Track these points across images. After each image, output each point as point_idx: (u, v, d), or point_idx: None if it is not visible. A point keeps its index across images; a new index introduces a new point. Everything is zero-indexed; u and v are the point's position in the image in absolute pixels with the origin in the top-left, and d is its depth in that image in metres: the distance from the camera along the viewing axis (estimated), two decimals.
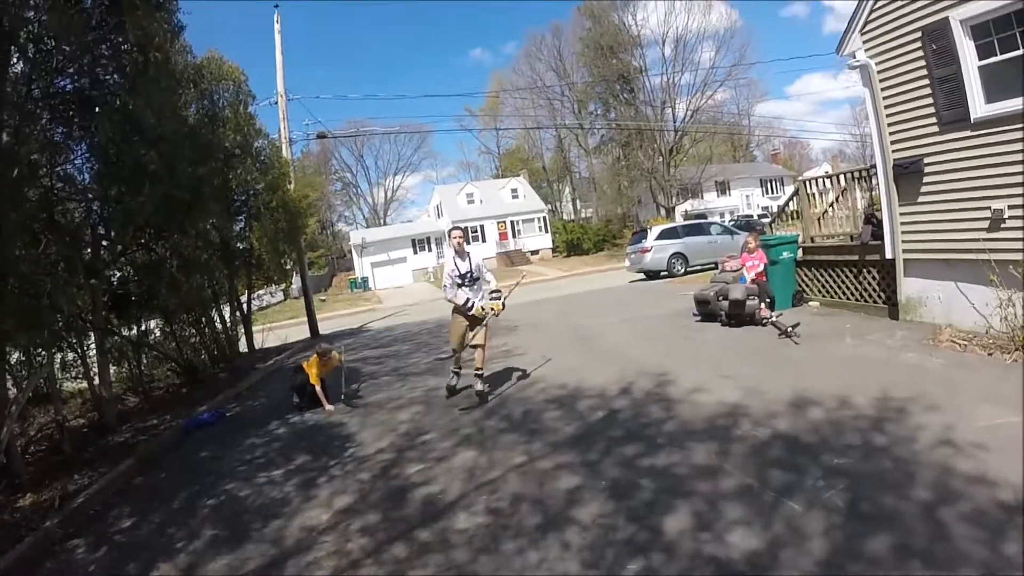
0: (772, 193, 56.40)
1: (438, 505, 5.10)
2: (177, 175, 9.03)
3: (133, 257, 10.66)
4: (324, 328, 19.34)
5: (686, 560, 3.85)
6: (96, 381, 9.48)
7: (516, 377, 8.82)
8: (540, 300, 19.66)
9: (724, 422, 5.83)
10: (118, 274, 10.59)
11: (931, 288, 8.29)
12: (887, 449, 4.77)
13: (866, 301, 9.72)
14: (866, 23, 8.59)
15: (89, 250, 9.08)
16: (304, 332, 18.45)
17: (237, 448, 7.50)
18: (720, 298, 10.31)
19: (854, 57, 8.80)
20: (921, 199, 8.19)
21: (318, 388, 8.55)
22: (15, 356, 8.17)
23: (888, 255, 8.78)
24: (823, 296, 10.77)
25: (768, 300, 10.01)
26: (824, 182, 11.55)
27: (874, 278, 9.52)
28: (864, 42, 8.68)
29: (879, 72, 8.52)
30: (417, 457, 6.23)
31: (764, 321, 9.60)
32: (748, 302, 9.87)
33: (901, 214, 8.51)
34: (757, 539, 3.90)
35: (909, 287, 8.62)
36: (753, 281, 10.08)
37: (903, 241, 8.53)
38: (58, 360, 9.37)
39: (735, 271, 10.79)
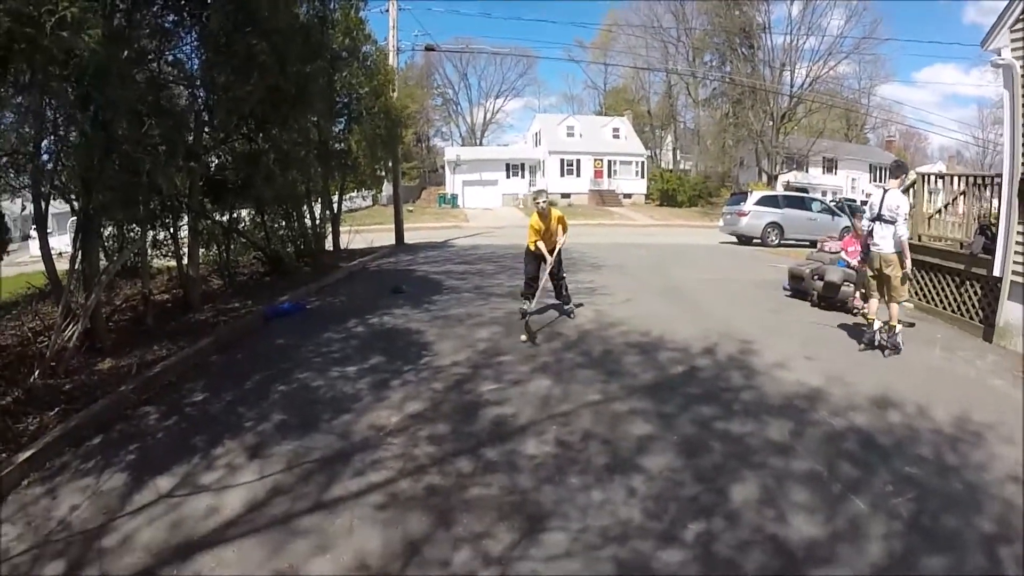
0: (880, 181, 52.06)
1: (508, 427, 5.03)
2: (286, 68, 8.97)
3: (233, 146, 10.79)
4: (410, 238, 19.53)
5: (746, 532, 3.74)
6: (185, 260, 9.78)
7: (596, 314, 8.61)
8: (627, 244, 19.23)
9: (802, 404, 5.59)
10: (216, 161, 10.75)
11: None
12: (959, 471, 4.53)
13: (962, 315, 8.89)
14: (1017, 20, 7.62)
15: (191, 135, 9.22)
16: (390, 239, 18.67)
17: (314, 340, 7.61)
18: (816, 277, 9.73)
19: (999, 55, 7.86)
20: None
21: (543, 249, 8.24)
22: (109, 230, 8.51)
23: (996, 272, 8.07)
24: (918, 299, 9.93)
25: (864, 290, 9.34)
26: (941, 180, 10.61)
27: (975, 293, 8.67)
28: (1012, 40, 7.72)
29: None
30: (492, 376, 6.16)
31: (855, 311, 9.02)
32: (843, 287, 9.27)
33: (1019, 233, 7.68)
34: (818, 528, 3.79)
35: (1011, 312, 7.83)
36: (852, 267, 9.38)
37: (1015, 262, 7.77)
38: (150, 237, 9.62)
39: (834, 253, 10.14)
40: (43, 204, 7.06)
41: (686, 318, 8.49)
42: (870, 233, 7.30)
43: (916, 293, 9.96)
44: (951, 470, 4.51)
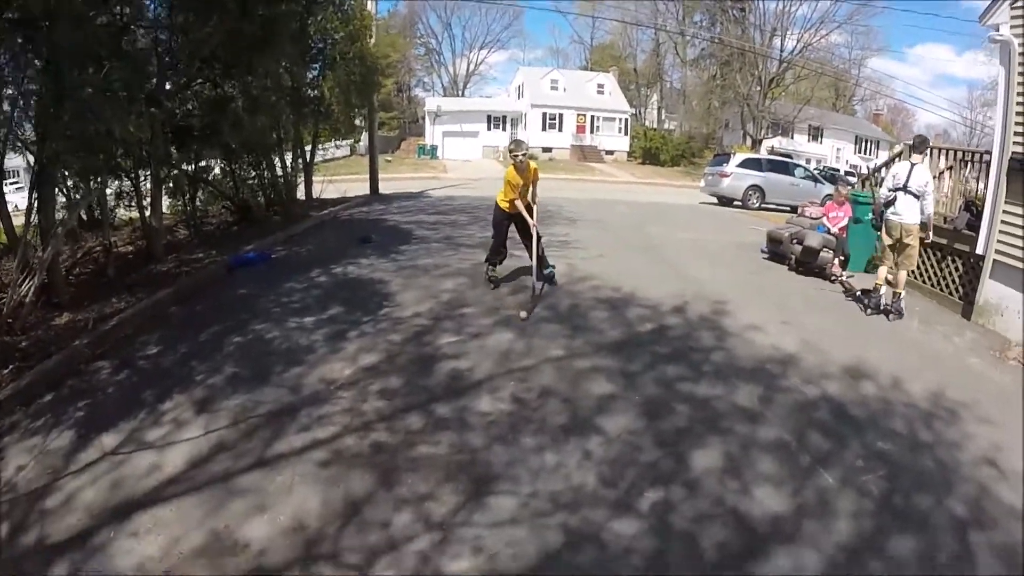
0: (865, 153, 51.38)
1: (464, 382, 4.85)
2: (249, 10, 8.48)
3: (199, 91, 10.33)
4: (385, 188, 19.02)
5: (706, 503, 3.59)
6: (148, 211, 9.43)
7: (568, 267, 8.35)
8: (607, 200, 18.88)
9: (774, 368, 5.41)
10: (180, 108, 10.26)
11: (1014, 299, 7.32)
12: (932, 448, 4.41)
13: (941, 290, 8.74)
14: None
15: (154, 81, 8.77)
16: (365, 189, 18.21)
17: (275, 290, 7.35)
18: (794, 241, 9.50)
19: (997, 30, 7.53)
20: None
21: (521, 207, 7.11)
22: (70, 181, 8.19)
23: (979, 250, 7.88)
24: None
25: (843, 257, 9.20)
26: (931, 153, 10.22)
27: (956, 269, 8.52)
28: (1012, 16, 7.38)
29: (1022, 53, 7.28)
30: (453, 329, 5.96)
31: (834, 277, 8.92)
32: (822, 253, 9.08)
33: (1004, 211, 7.44)
34: (784, 502, 3.65)
35: (991, 291, 7.68)
36: (832, 234, 9.21)
37: (999, 241, 7.57)
38: (114, 188, 9.47)
39: (814, 219, 9.92)
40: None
41: (660, 276, 8.26)
42: (889, 203, 7.32)
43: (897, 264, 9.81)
44: (924, 448, 4.38)
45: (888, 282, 7.51)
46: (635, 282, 7.65)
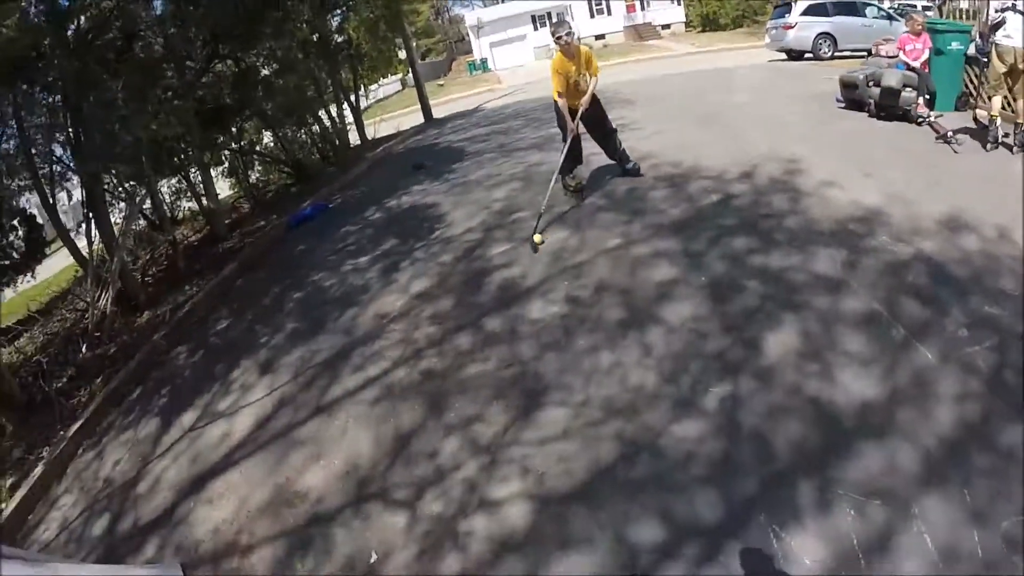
0: None
1: (515, 290, 4.52)
2: None
3: (222, 72, 10.23)
4: (439, 112, 18.52)
5: (781, 395, 3.06)
6: (203, 196, 9.59)
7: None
8: (664, 76, 17.42)
9: (858, 228, 4.55)
10: (208, 93, 10.18)
11: None
12: None
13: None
14: None
15: (171, 76, 8.71)
16: (418, 119, 17.80)
17: (331, 239, 7.22)
18: (871, 83, 8.14)
19: None
20: None
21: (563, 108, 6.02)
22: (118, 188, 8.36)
23: None
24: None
25: (928, 95, 7.81)
26: None
27: None
28: None
29: None
30: (504, 237, 5.60)
31: (920, 119, 7.55)
32: (904, 93, 7.69)
33: None
34: (874, 387, 3.02)
35: None
36: (912, 70, 7.83)
37: None
38: (170, 186, 9.92)
39: (891, 57, 8.47)
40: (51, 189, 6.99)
41: (723, 144, 7.35)
42: (997, 25, 6.25)
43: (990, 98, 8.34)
44: None
45: (1004, 115, 6.39)
46: (696, 153, 6.89)
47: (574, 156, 6.16)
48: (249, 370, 4.74)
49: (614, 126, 6.47)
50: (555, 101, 6.02)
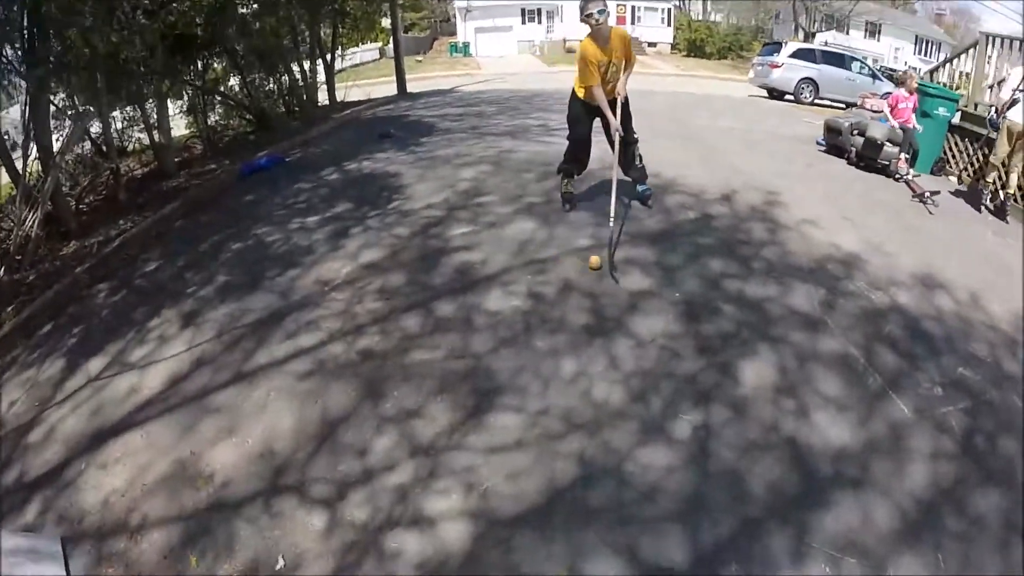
0: (925, 56, 46.37)
1: (473, 276, 4.11)
2: None
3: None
4: (415, 88, 17.86)
5: (756, 430, 2.78)
6: (156, 129, 8.94)
7: (601, 152, 7.30)
8: (649, 91, 17.14)
9: (836, 270, 4.35)
10: (179, 17, 9.41)
11: None
12: (1017, 382, 3.36)
13: (1016, 202, 7.30)
14: None
15: None
16: (392, 90, 17.12)
17: (283, 193, 6.66)
18: (855, 132, 8.04)
19: None
20: None
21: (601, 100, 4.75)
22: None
23: None
24: (968, 176, 8.24)
25: (910, 153, 7.78)
26: (1009, 44, 8.32)
27: None
28: None
29: None
30: (467, 219, 5.16)
31: (898, 176, 7.52)
32: (887, 147, 7.65)
33: None
34: (850, 434, 2.80)
35: None
36: (899, 127, 7.77)
37: None
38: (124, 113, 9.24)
39: (876, 112, 8.38)
40: None
41: (703, 164, 7.07)
42: (1013, 103, 6.49)
43: (966, 168, 8.27)
44: (1010, 381, 3.38)
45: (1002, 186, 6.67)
46: (675, 170, 6.50)
47: (579, 159, 5.18)
48: (170, 320, 4.22)
49: (637, 136, 5.20)
50: (574, 94, 4.89)
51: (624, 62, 4.73)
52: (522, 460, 2.59)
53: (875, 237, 5.09)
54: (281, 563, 2.34)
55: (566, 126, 5.23)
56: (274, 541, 2.42)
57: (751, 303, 3.77)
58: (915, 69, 20.54)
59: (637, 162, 5.13)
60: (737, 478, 2.52)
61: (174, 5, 8.76)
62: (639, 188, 5.30)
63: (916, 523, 2.41)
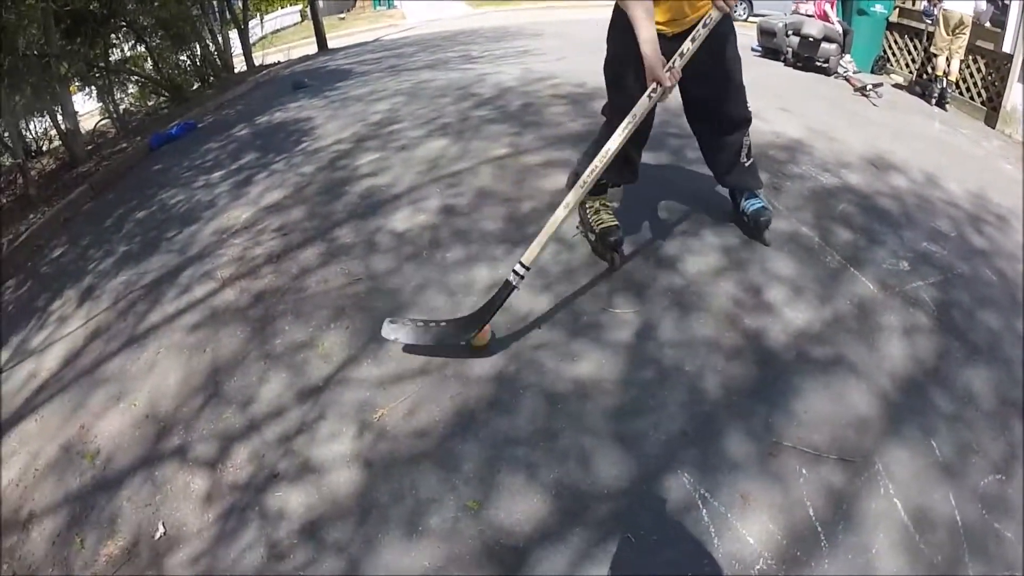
0: None
1: (378, 198, 3.67)
2: None
3: None
4: (337, 44, 16.89)
5: (702, 319, 2.41)
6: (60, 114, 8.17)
7: (523, 71, 6.77)
8: (574, 19, 16.14)
9: (781, 155, 3.96)
10: None
11: None
12: (985, 255, 3.05)
13: (960, 94, 7.01)
14: None
15: None
16: (313, 49, 16.16)
17: (191, 156, 6.09)
18: (789, 32, 7.58)
19: None
20: None
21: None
22: None
23: (1006, 48, 6.26)
24: (909, 72, 7.87)
25: (848, 51, 7.49)
26: None
27: (979, 70, 6.78)
28: None
29: None
30: (376, 147, 4.68)
31: (837, 72, 7.18)
32: (824, 44, 7.20)
33: None
34: (811, 314, 2.42)
35: (1018, 96, 6.08)
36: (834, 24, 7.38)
37: None
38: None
39: (808, 15, 7.90)
40: None
41: None
42: None
43: (907, 65, 7.97)
44: (979, 255, 3.06)
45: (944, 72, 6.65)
46: (602, 78, 6.04)
47: (621, 156, 2.32)
48: (70, 300, 3.76)
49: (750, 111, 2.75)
50: (614, 29, 2.52)
51: None
52: (425, 389, 2.19)
53: (818, 125, 4.74)
54: (161, 531, 1.97)
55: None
56: (155, 509, 2.05)
57: (686, 193, 3.36)
58: None
59: (743, 158, 2.70)
60: (683, 376, 2.16)
61: None
62: (745, 203, 2.82)
63: (901, 408, 2.06)
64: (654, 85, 2.18)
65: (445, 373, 2.24)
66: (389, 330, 2.25)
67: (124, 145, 8.05)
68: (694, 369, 2.18)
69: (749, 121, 2.61)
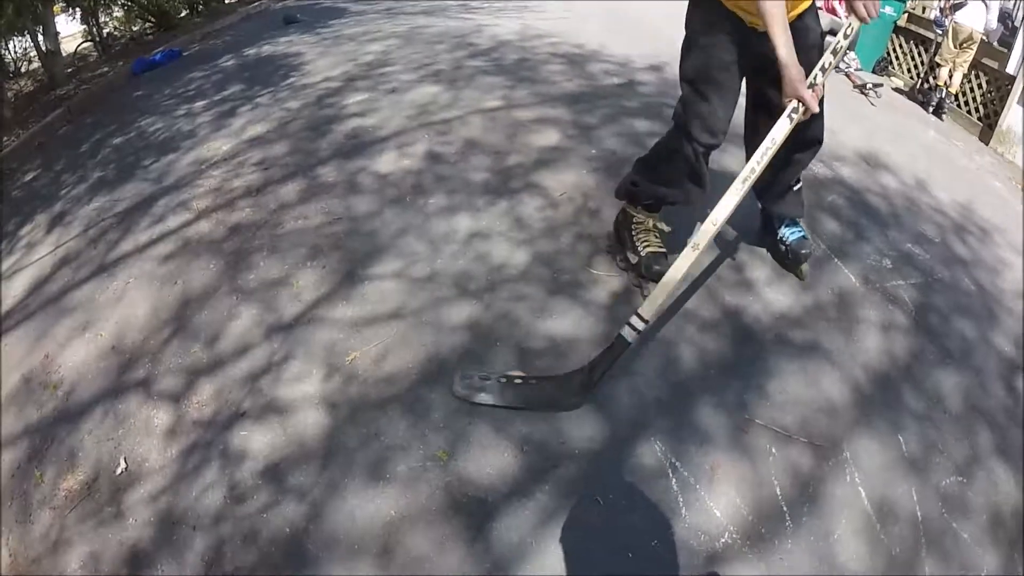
0: None
1: (363, 139, 3.52)
2: None
3: None
4: None
5: (683, 292, 2.29)
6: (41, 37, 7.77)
7: (523, 27, 6.47)
8: None
9: None
10: None
11: None
12: (966, 265, 2.98)
13: (959, 107, 6.85)
14: None
15: None
16: None
17: (174, 84, 5.83)
18: None
19: None
20: None
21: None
22: None
23: (1010, 69, 6.19)
24: (911, 78, 7.67)
25: (853, 48, 7.33)
26: None
27: (979, 87, 6.62)
28: None
29: None
30: (366, 87, 4.48)
31: (839, 67, 6.96)
32: (829, 37, 6.93)
33: None
34: (793, 298, 2.36)
35: (1017, 118, 5.99)
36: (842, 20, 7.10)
37: None
38: None
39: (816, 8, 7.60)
40: None
41: (636, 37, 6.20)
42: (957, 6, 6.48)
43: (909, 71, 7.76)
44: (957, 262, 2.99)
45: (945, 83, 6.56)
46: (603, 40, 5.74)
47: (687, 173, 2.30)
48: (39, 225, 3.62)
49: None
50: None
51: None
52: (399, 333, 2.11)
53: None
54: (122, 467, 1.90)
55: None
56: (117, 444, 1.98)
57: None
58: None
59: (793, 182, 2.38)
60: (661, 345, 2.10)
61: None
62: (786, 230, 2.45)
63: (873, 400, 2.03)
64: (795, 104, 1.82)
65: (420, 319, 2.16)
66: (462, 387, 1.91)
67: (106, 69, 7.78)
68: (672, 338, 2.13)
69: (822, 142, 2.28)
